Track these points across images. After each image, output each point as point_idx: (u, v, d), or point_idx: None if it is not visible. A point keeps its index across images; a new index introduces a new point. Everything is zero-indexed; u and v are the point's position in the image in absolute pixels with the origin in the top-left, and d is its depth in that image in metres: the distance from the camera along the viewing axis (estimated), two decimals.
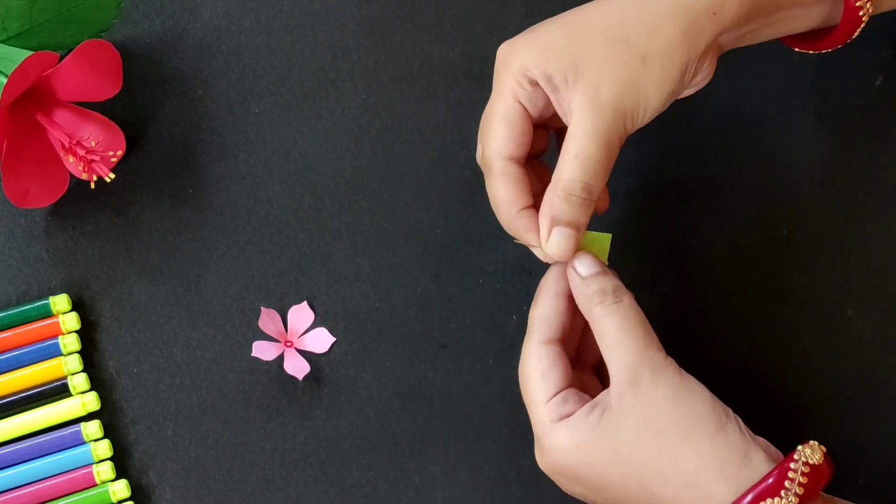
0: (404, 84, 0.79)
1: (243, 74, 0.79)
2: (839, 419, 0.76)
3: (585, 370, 0.71)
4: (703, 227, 0.77)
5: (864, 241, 0.77)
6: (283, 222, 0.78)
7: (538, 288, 0.69)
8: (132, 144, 0.78)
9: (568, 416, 0.66)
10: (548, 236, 0.66)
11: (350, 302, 0.77)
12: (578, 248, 0.67)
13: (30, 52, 0.71)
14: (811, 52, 0.72)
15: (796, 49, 0.73)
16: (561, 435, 0.66)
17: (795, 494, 0.63)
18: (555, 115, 0.68)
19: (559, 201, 0.66)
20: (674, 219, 0.77)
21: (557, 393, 0.67)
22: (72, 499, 0.75)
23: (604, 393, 0.66)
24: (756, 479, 0.63)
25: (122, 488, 0.75)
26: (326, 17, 0.79)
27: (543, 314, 0.68)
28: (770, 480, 0.63)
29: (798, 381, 0.76)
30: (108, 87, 0.75)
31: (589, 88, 0.65)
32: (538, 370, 0.67)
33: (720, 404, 0.65)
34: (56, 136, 0.74)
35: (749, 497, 0.63)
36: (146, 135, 0.78)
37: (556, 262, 0.68)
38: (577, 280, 0.67)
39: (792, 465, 0.63)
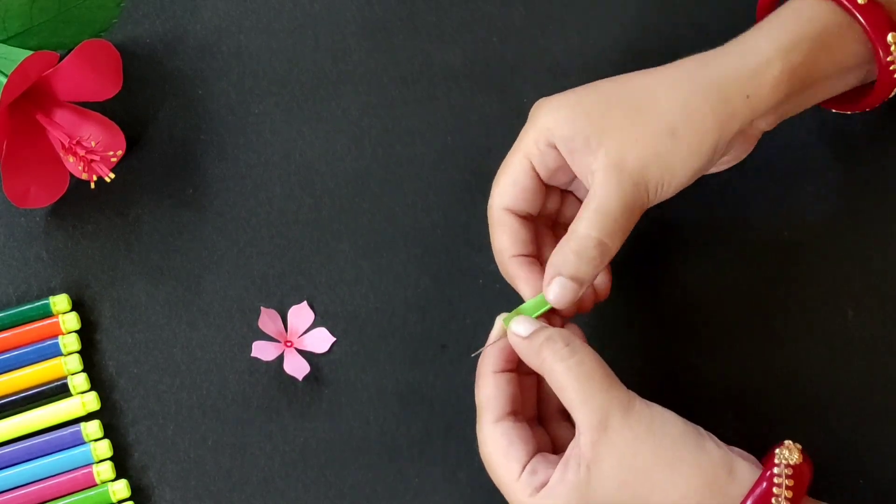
0: (405, 85, 0.79)
1: (243, 75, 0.79)
2: (839, 421, 0.76)
3: (553, 420, 0.70)
4: (704, 229, 0.77)
5: (864, 243, 0.77)
6: (284, 223, 0.78)
7: (477, 372, 0.69)
8: (132, 144, 0.78)
9: (543, 485, 0.65)
10: (549, 283, 0.67)
11: (350, 303, 0.77)
12: (577, 300, 0.67)
13: (30, 52, 0.71)
14: (850, 112, 0.74)
15: (833, 110, 0.74)
16: None
17: (786, 499, 0.63)
18: (571, 180, 0.70)
19: (570, 253, 0.66)
20: (674, 221, 0.77)
21: (524, 466, 0.66)
22: (72, 499, 0.75)
23: (572, 446, 0.65)
24: (745, 491, 0.63)
25: (122, 488, 0.75)
26: (327, 18, 0.79)
27: (486, 395, 0.68)
28: (759, 490, 0.63)
29: (798, 383, 0.76)
30: (108, 87, 0.75)
31: (613, 153, 0.66)
32: (498, 451, 0.66)
33: (691, 425, 0.65)
34: (56, 136, 0.74)
35: None
36: (146, 135, 0.78)
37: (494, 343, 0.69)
38: (520, 341, 0.67)
39: (775, 470, 0.63)
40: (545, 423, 0.70)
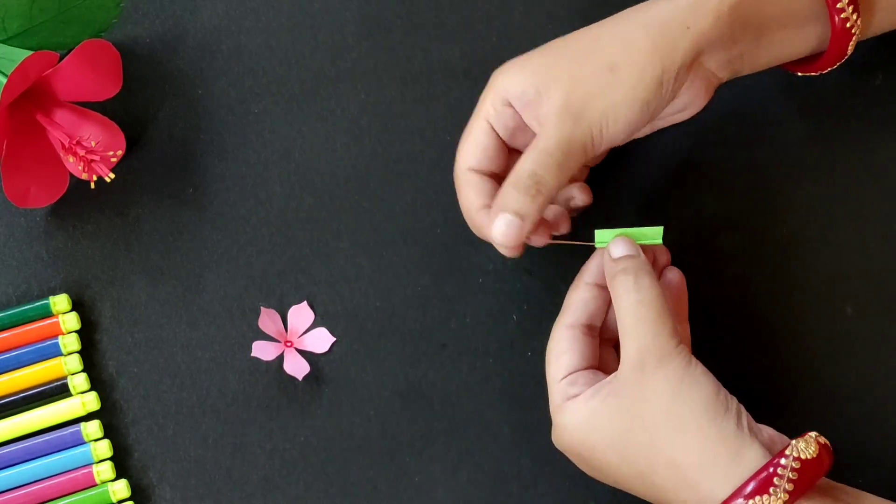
0: (404, 84, 0.79)
1: (243, 74, 0.79)
2: (839, 418, 0.76)
3: (608, 346, 0.72)
4: (703, 227, 0.77)
5: (863, 240, 0.77)
6: (284, 222, 0.78)
7: (577, 276, 0.71)
8: (132, 144, 0.78)
9: (574, 397, 0.68)
10: (493, 223, 0.68)
11: (350, 302, 0.77)
12: (524, 237, 0.68)
13: (30, 52, 0.71)
14: (812, 73, 0.73)
15: (798, 73, 0.74)
16: (566, 416, 0.68)
17: (785, 491, 0.63)
18: (531, 138, 0.70)
19: (507, 187, 0.68)
20: (673, 219, 0.77)
21: (569, 374, 0.69)
22: (72, 499, 0.75)
23: (613, 375, 0.68)
24: (747, 476, 0.64)
25: (122, 488, 0.75)
26: (326, 16, 0.79)
27: (572, 299, 0.71)
28: (757, 479, 0.64)
29: (797, 380, 0.76)
30: (108, 87, 0.75)
31: (559, 97, 0.67)
32: (555, 351, 0.70)
33: (723, 398, 0.66)
34: (56, 136, 0.75)
35: (736, 495, 0.64)
36: (146, 135, 0.79)
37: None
38: (608, 260, 0.69)
39: (782, 462, 0.64)
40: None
